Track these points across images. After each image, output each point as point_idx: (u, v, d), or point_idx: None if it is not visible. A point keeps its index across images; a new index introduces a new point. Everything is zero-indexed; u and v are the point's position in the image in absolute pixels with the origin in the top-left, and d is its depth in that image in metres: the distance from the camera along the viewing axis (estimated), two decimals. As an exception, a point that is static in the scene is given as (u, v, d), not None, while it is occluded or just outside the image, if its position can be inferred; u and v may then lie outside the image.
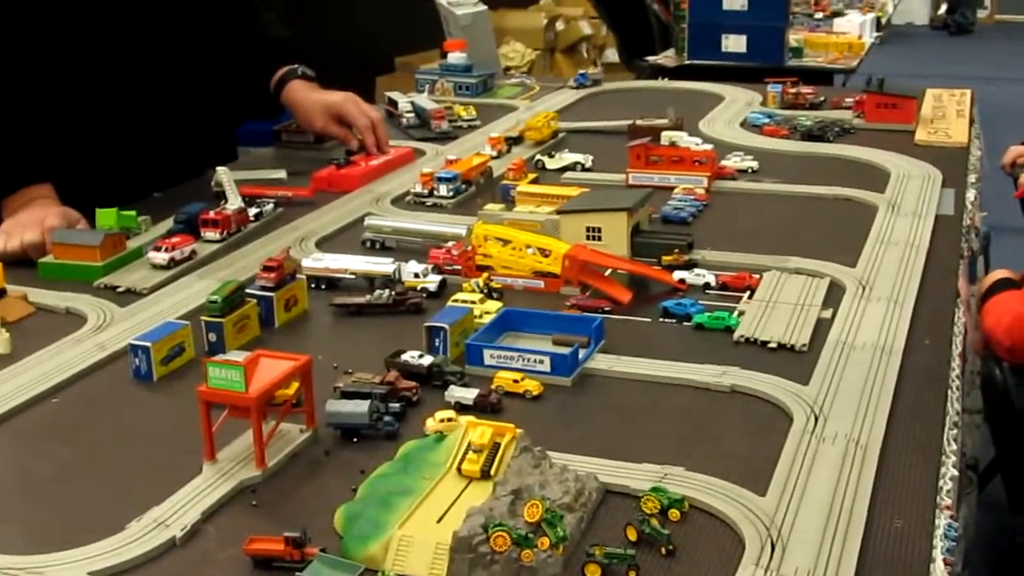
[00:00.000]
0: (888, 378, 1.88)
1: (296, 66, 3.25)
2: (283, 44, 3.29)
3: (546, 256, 2.28)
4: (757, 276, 2.28)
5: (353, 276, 2.31)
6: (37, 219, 2.54)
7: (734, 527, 1.50)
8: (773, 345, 2.02)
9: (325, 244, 2.58)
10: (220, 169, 2.72)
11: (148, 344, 1.95)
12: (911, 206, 2.72)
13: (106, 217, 2.54)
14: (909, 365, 1.94)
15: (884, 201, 2.75)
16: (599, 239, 2.39)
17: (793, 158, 3.19)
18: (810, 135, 3.36)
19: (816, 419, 1.76)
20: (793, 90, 3.78)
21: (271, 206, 2.75)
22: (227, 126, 3.40)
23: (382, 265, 2.31)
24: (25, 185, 2.65)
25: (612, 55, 8.45)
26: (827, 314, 2.14)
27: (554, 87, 4.13)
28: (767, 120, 3.51)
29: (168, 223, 2.60)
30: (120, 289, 2.33)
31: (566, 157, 3.11)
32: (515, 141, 3.30)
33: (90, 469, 1.70)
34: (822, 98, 3.79)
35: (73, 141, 2.82)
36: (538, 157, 3.12)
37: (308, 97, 3.22)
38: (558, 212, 2.46)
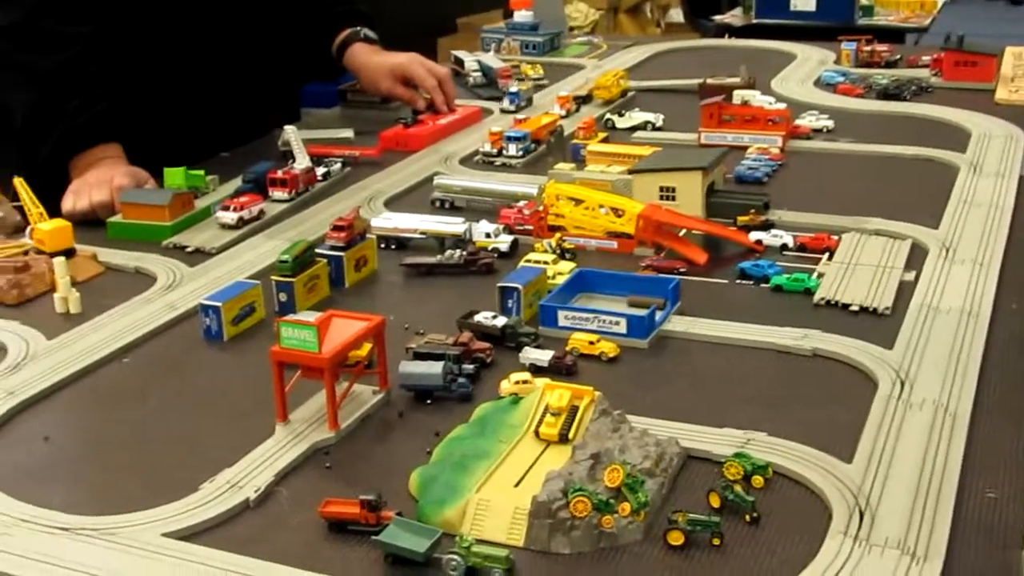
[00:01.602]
0: (975, 343, 1.82)
1: (358, 28, 3.22)
2: (345, 6, 3.26)
3: (619, 216, 2.24)
4: (836, 237, 2.23)
5: (423, 236, 2.28)
6: (106, 179, 2.53)
7: (820, 495, 1.46)
8: (855, 308, 1.96)
9: (394, 204, 2.55)
10: (288, 128, 2.70)
11: (219, 304, 1.93)
12: (994, 166, 2.64)
13: (174, 176, 2.53)
14: (997, 330, 1.88)
15: (965, 161, 2.68)
16: (673, 199, 2.34)
17: (869, 117, 3.12)
18: (886, 94, 3.28)
19: (902, 384, 1.70)
20: (868, 48, 3.70)
21: (339, 165, 2.73)
22: (291, 87, 3.39)
23: (453, 225, 2.28)
24: (94, 144, 2.64)
25: (676, 15, 8.35)
26: (910, 277, 2.08)
27: (622, 46, 4.07)
28: (841, 79, 3.44)
29: (236, 183, 2.59)
30: (189, 249, 2.32)
31: (636, 116, 3.06)
32: (584, 100, 3.26)
33: (161, 430, 1.68)
34: (898, 56, 3.71)
35: (141, 100, 2.80)
36: (608, 116, 3.07)
37: (372, 60, 3.19)
38: (631, 171, 2.42)
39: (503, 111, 3.17)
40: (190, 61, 2.89)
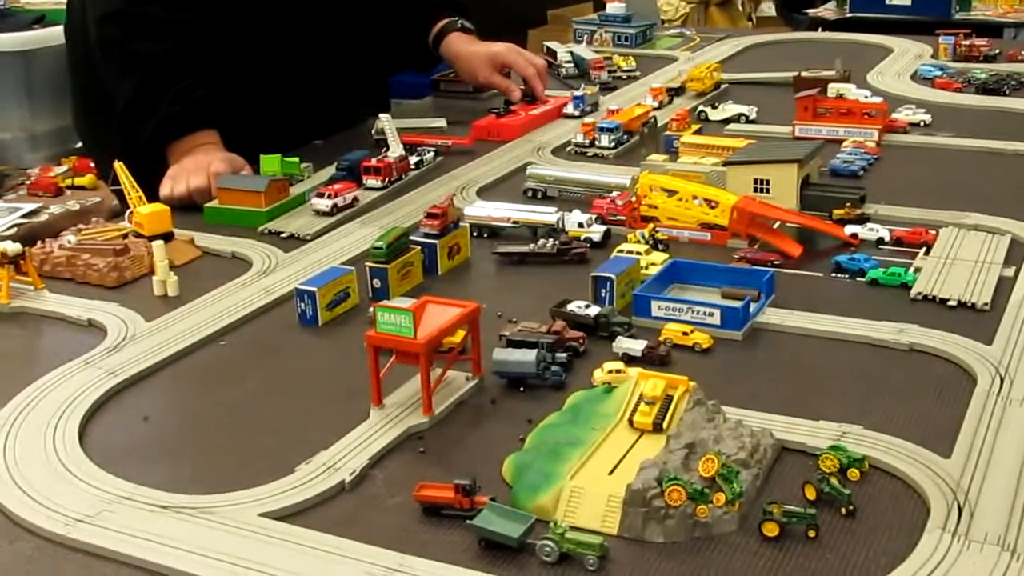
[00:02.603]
0: (1077, 339, 1.80)
1: (456, 18, 3.24)
2: None
3: (713, 207, 2.22)
4: (933, 232, 2.20)
5: (516, 225, 2.28)
6: (203, 165, 2.56)
7: (918, 489, 1.44)
8: (953, 303, 1.93)
9: (486, 193, 2.55)
10: (383, 116, 2.72)
11: (314, 289, 1.95)
12: (1095, 161, 2.60)
13: (270, 163, 2.56)
14: (1099, 327, 1.85)
15: (1066, 156, 2.64)
16: (767, 191, 2.32)
17: (968, 112, 3.07)
18: (985, 88, 3.23)
19: (1001, 380, 1.68)
20: (966, 42, 3.64)
21: (431, 154, 2.74)
22: (383, 77, 3.40)
23: (545, 214, 2.29)
24: (192, 131, 2.67)
25: (768, 8, 8.27)
26: (1009, 272, 2.04)
27: (715, 38, 4.05)
28: (939, 73, 3.39)
29: (330, 170, 2.61)
30: (284, 234, 2.34)
31: (729, 108, 3.04)
32: (677, 92, 3.25)
33: (258, 412, 1.70)
34: (997, 51, 3.64)
35: (238, 88, 2.83)
36: (701, 108, 3.06)
37: (469, 49, 3.20)
38: (725, 163, 2.40)
39: (565, 115, 3.09)
40: (286, 50, 2.92)
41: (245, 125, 2.75)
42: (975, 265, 2.06)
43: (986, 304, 1.92)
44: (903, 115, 2.95)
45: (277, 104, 2.92)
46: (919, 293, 1.97)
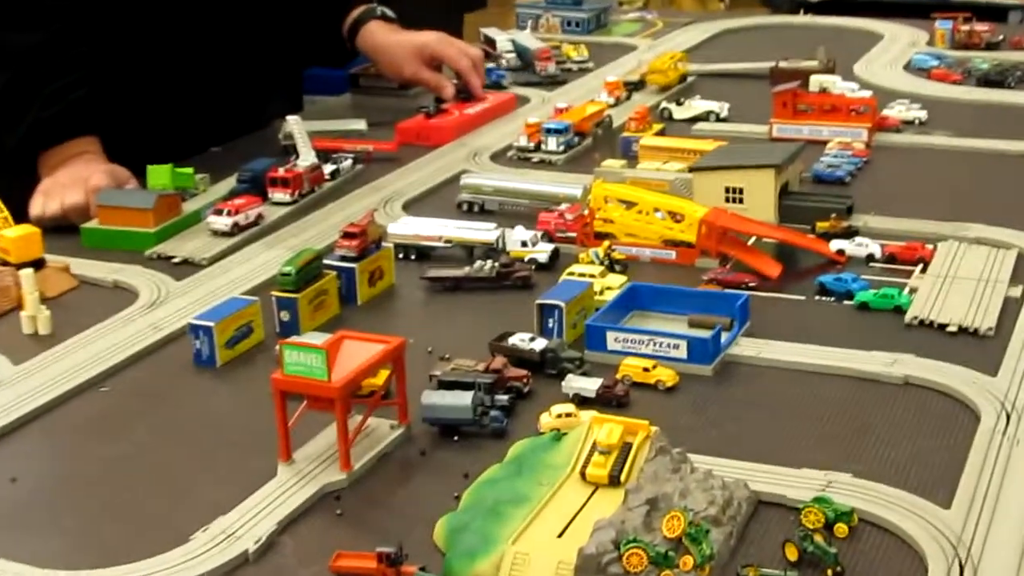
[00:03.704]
0: (1094, 369, 1.82)
1: (374, 5, 3.24)
2: None
3: (678, 221, 2.24)
4: (930, 247, 2.22)
5: (449, 244, 2.29)
6: (80, 178, 2.55)
7: (914, 545, 1.45)
8: (952, 329, 1.96)
9: (414, 207, 2.56)
10: (291, 119, 2.72)
11: (211, 324, 1.95)
12: (1112, 164, 2.64)
13: (159, 175, 2.55)
14: (1119, 354, 1.88)
15: (1079, 158, 2.68)
16: (741, 201, 2.35)
17: (968, 107, 3.12)
18: (987, 80, 3.27)
19: (1008, 417, 1.70)
20: (966, 27, 3.69)
21: (349, 162, 2.75)
22: (292, 72, 3.40)
23: (483, 231, 2.30)
24: (69, 138, 2.66)
25: (743, -13, 8.35)
26: (1016, 292, 2.07)
27: (681, 23, 4.08)
28: (935, 63, 3.43)
29: (230, 182, 2.61)
30: (176, 259, 2.34)
31: (697, 105, 3.07)
32: (636, 86, 3.27)
33: (146, 470, 1.69)
34: (1000, 37, 3.70)
35: (122, 88, 2.82)
36: (664, 105, 3.08)
37: (392, 39, 3.21)
38: (691, 169, 2.43)
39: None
40: (178, 43, 2.91)
41: (130, 130, 2.74)
42: (978, 284, 2.09)
43: (990, 329, 1.95)
44: (895, 112, 2.98)
45: (167, 105, 2.91)
46: (915, 318, 1.99)
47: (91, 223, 2.46)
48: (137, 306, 2.15)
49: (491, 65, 3.40)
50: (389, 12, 3.26)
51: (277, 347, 1.64)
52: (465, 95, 3.16)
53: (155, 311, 2.13)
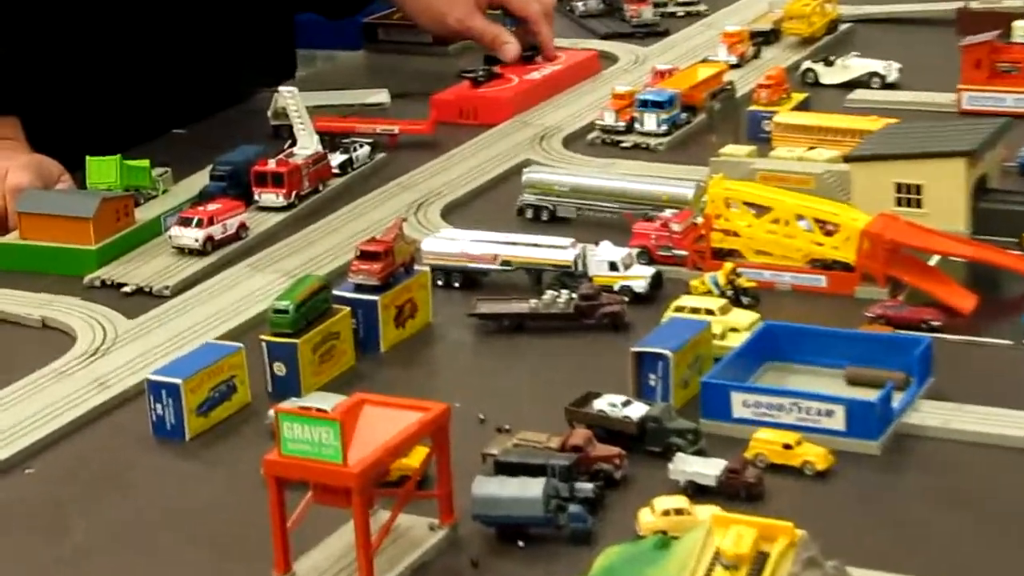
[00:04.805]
0: None
1: None
2: None
3: (830, 234, 2.24)
4: None
5: (507, 267, 2.30)
6: (-6, 174, 2.59)
7: None
8: None
9: (458, 213, 2.58)
10: (284, 89, 2.72)
11: (177, 381, 1.95)
12: None
13: (102, 170, 2.56)
14: None
15: None
16: (919, 205, 2.34)
17: None
18: None
19: None
20: None
21: (366, 150, 2.76)
22: (280, 20, 3.38)
23: (555, 249, 2.30)
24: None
25: None
26: None
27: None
28: None
29: (202, 179, 2.63)
30: (128, 289, 2.36)
31: (853, 65, 3.07)
32: (767, 39, 3.29)
33: (88, 584, 1.71)
34: None
35: (48, 51, 2.85)
36: (808, 65, 3.09)
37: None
38: (847, 159, 2.42)
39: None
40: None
41: (62, 108, 2.76)
42: None
43: None
44: None
45: (111, 72, 2.94)
46: None
47: (9, 237, 2.49)
48: (74, 354, 2.16)
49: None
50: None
51: (271, 414, 1.65)
52: (530, 54, 3.18)
53: (99, 361, 2.14)
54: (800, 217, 2.27)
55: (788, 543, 1.58)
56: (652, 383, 1.95)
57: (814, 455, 1.82)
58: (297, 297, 2.05)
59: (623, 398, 1.91)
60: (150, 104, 2.99)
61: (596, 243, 2.32)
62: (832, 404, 1.86)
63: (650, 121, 2.82)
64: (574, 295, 2.20)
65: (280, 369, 2.04)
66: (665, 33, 3.46)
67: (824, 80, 3.07)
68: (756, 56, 3.22)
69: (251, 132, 2.83)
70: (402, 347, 2.17)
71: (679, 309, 2.12)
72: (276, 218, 2.56)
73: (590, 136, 2.87)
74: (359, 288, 2.15)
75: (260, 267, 2.41)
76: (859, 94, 3.02)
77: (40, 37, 2.83)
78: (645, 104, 2.83)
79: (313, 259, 2.41)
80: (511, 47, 3.15)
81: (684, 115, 2.86)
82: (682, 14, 3.57)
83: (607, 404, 1.90)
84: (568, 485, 1.75)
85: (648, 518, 1.66)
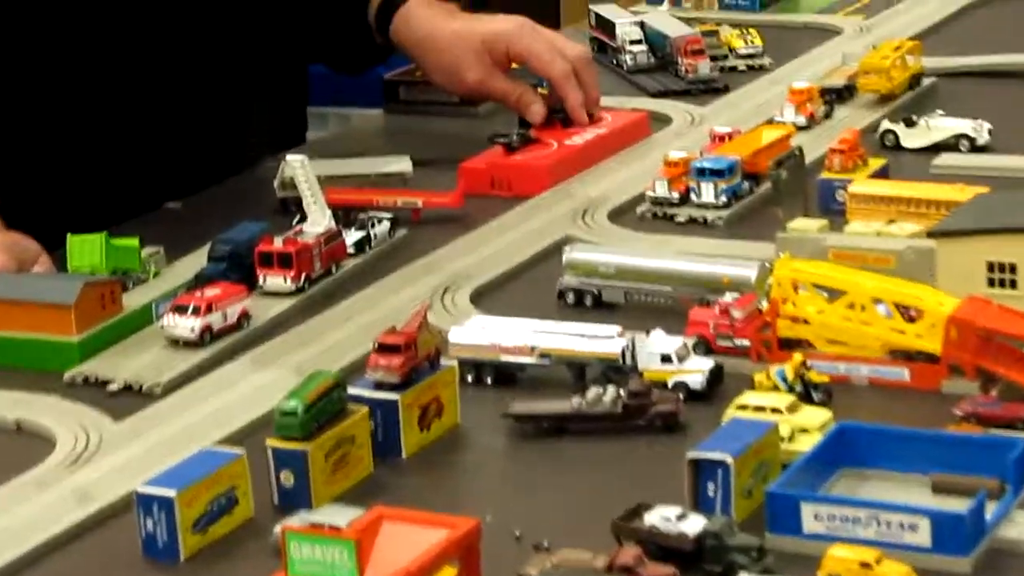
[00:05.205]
0: None
1: None
2: None
3: (912, 321, 2.24)
4: None
5: (546, 361, 2.30)
6: (-41, 256, 2.60)
7: None
8: None
9: (489, 298, 2.59)
10: (292, 158, 2.73)
11: (170, 493, 1.95)
12: None
13: (85, 250, 2.57)
14: None
15: None
16: (1014, 285, 2.34)
17: None
18: None
19: None
20: None
21: (386, 226, 2.77)
22: (289, 77, 3.41)
23: (600, 339, 2.29)
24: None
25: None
26: None
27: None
28: None
29: (198, 260, 2.63)
30: (114, 386, 2.36)
31: (939, 125, 3.07)
32: (840, 96, 3.28)
33: None
34: None
35: (23, 111, 2.87)
36: (887, 126, 3.09)
37: (447, 28, 3.24)
38: (931, 234, 2.42)
39: None
40: (109, 39, 2.95)
41: (40, 179, 2.77)
42: None
43: None
44: None
45: (96, 137, 2.96)
46: None
47: (-21, 328, 2.50)
48: (53, 462, 2.16)
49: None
50: (443, -18, 3.30)
51: (277, 531, 1.65)
52: (563, 116, 3.18)
53: (82, 470, 2.14)
54: (878, 301, 2.26)
55: None
56: (711, 493, 1.94)
57: (896, 574, 1.81)
58: (307, 396, 2.04)
59: (678, 510, 1.89)
60: (139, 174, 3.00)
61: (647, 332, 2.31)
62: (916, 516, 1.85)
63: (708, 192, 2.82)
64: (622, 392, 2.19)
65: (288, 479, 2.03)
66: (724, 90, 3.46)
67: (905, 143, 3.06)
68: (828, 116, 3.21)
69: (254, 206, 2.83)
70: (427, 453, 2.16)
71: (741, 408, 2.11)
72: (283, 305, 2.56)
73: (639, 209, 2.86)
74: (378, 386, 2.15)
75: (265, 361, 2.42)
76: (945, 159, 3.01)
77: (13, 97, 2.82)
78: (702, 172, 2.83)
79: (325, 352, 2.41)
80: (537, 108, 3.15)
81: (746, 185, 2.86)
82: (744, 68, 3.57)
83: (660, 517, 1.88)
84: (619, 611, 1.76)
85: (711, 650, 1.66)
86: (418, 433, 2.16)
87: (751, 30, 3.70)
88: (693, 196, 2.83)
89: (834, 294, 2.29)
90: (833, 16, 3.93)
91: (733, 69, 3.58)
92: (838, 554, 1.83)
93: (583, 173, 3.04)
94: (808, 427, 2.07)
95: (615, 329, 2.32)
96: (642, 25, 3.61)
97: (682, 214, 2.83)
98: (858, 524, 1.87)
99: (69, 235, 2.59)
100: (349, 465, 2.08)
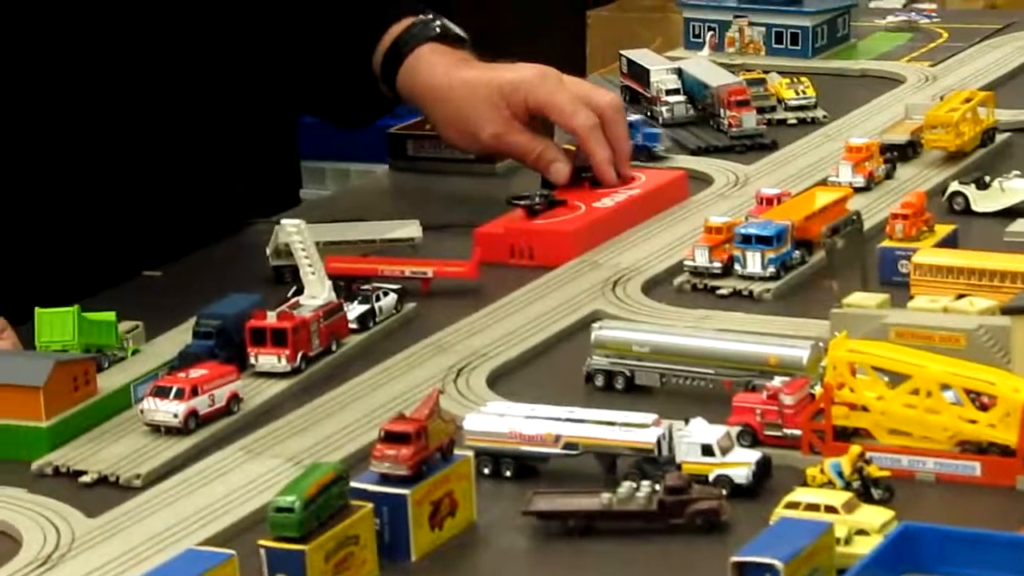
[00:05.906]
0: None
1: (430, 17, 3.30)
2: None
3: (985, 409, 2.25)
4: None
5: (573, 452, 2.31)
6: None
7: None
8: None
9: (508, 380, 2.60)
10: (287, 222, 2.74)
11: (152, 600, 1.98)
12: None
13: (55, 324, 2.59)
14: None
15: None
16: (1100, 371, 2.36)
17: None
18: None
19: None
20: None
21: (392, 298, 2.79)
22: (280, 126, 3.41)
23: (633, 428, 2.30)
24: None
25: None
26: None
27: (979, 30, 4.09)
28: None
29: (182, 335, 2.66)
30: (87, 477, 2.37)
31: (1015, 187, 3.08)
32: (903, 153, 3.30)
33: None
34: None
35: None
36: (956, 188, 3.10)
37: (460, 77, 3.26)
38: (1005, 311, 2.43)
39: None
40: (84, 88, 2.99)
41: (5, 246, 2.79)
42: None
43: None
44: None
45: (66, 199, 2.99)
46: None
47: (-63, 413, 2.52)
48: (19, 564, 2.17)
49: (636, 117, 3.44)
50: (455, 28, 3.31)
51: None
52: (591, 175, 3.19)
53: (50, 574, 2.15)
54: (946, 387, 2.27)
55: None
56: (759, 602, 1.97)
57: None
58: (305, 491, 2.05)
59: (723, 622, 1.92)
60: (114, 238, 3.02)
61: (685, 420, 2.32)
62: (991, 631, 1.87)
63: (754, 262, 2.83)
64: (657, 487, 2.20)
65: (283, 585, 2.06)
66: (772, 147, 3.47)
67: (977, 207, 3.07)
68: (889, 176, 3.22)
69: (245, 275, 2.86)
70: (438, 555, 2.17)
71: (792, 506, 2.11)
72: (277, 387, 2.58)
73: (677, 281, 2.87)
74: (384, 479, 2.16)
75: (257, 451, 2.43)
76: (1022, 225, 3.01)
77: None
78: (747, 239, 2.84)
79: (325, 441, 2.42)
80: (560, 167, 3.15)
81: (797, 254, 2.87)
82: (794, 122, 3.58)
83: (702, 629, 1.92)
84: None
85: None
86: (429, 532, 2.17)
87: (803, 79, 3.71)
88: (737, 266, 2.84)
89: (896, 378, 2.30)
90: (895, 63, 3.94)
91: (782, 122, 3.59)
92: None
93: (613, 240, 3.05)
94: (867, 528, 2.08)
95: (650, 417, 2.33)
96: (680, 73, 3.62)
97: (725, 286, 2.84)
98: (926, 638, 1.89)
99: (37, 308, 2.61)
100: (352, 568, 2.08)
